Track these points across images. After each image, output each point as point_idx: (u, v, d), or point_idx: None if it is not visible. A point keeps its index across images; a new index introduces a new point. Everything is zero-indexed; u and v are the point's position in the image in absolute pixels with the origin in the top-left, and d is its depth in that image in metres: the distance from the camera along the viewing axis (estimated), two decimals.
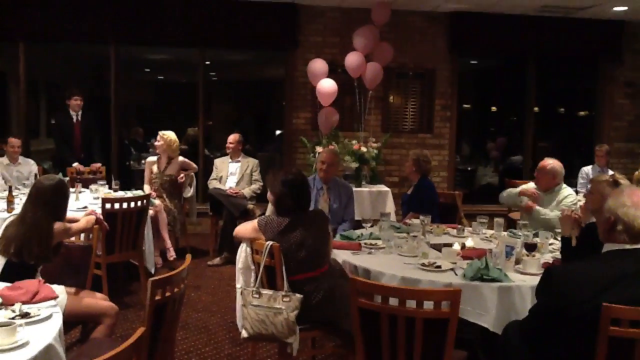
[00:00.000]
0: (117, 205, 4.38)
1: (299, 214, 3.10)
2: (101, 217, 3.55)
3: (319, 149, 6.36)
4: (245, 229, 3.23)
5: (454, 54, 7.51)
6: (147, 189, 5.77)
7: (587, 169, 6.67)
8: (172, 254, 5.63)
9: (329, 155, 4.68)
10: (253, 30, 7.10)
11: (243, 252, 3.22)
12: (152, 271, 4.94)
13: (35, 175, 5.79)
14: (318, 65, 6.67)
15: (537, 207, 4.40)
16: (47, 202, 3.01)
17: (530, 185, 4.71)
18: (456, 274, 2.99)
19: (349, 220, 4.65)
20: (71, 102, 6.41)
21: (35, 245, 2.90)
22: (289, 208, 3.09)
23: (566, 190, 4.47)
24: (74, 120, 6.46)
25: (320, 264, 3.06)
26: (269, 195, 3.28)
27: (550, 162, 4.47)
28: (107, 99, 7.39)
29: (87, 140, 6.54)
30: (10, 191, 4.56)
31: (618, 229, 2.11)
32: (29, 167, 6.03)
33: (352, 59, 6.55)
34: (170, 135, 5.90)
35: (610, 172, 6.21)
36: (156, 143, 5.99)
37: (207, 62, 7.67)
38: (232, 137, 6.20)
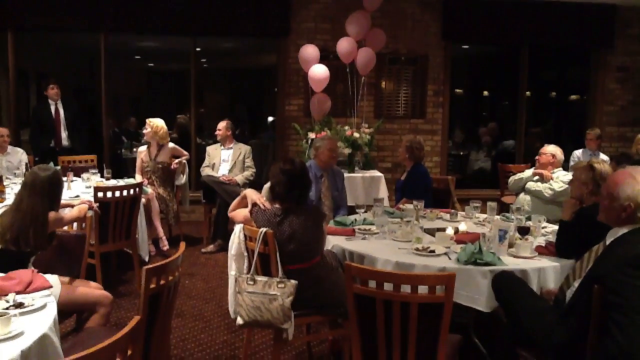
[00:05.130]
0: (109, 194, 4.36)
1: (291, 206, 3.05)
2: (93, 204, 3.54)
3: (311, 135, 6.35)
4: (238, 214, 3.24)
5: (447, 40, 7.48)
6: (138, 178, 5.73)
7: (578, 153, 6.69)
8: (165, 244, 5.61)
9: (335, 143, 4.75)
10: (245, 17, 7.03)
11: (236, 238, 3.21)
12: (146, 259, 4.94)
13: (26, 164, 5.74)
14: (310, 51, 6.62)
15: (556, 174, 4.89)
16: (43, 193, 3.01)
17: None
18: (450, 259, 3.01)
19: (343, 206, 4.66)
20: (48, 92, 6.43)
21: (32, 233, 2.91)
22: (282, 196, 3.07)
23: (561, 172, 4.95)
24: (53, 109, 6.48)
25: (310, 257, 3.02)
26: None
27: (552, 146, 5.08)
28: (98, 87, 7.33)
29: (70, 129, 6.55)
30: (0, 181, 4.53)
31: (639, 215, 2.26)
32: (19, 156, 5.97)
33: (344, 45, 6.51)
34: (157, 122, 5.86)
35: (602, 156, 6.26)
36: (144, 131, 5.97)
37: (198, 49, 7.59)
38: (221, 124, 6.19)
